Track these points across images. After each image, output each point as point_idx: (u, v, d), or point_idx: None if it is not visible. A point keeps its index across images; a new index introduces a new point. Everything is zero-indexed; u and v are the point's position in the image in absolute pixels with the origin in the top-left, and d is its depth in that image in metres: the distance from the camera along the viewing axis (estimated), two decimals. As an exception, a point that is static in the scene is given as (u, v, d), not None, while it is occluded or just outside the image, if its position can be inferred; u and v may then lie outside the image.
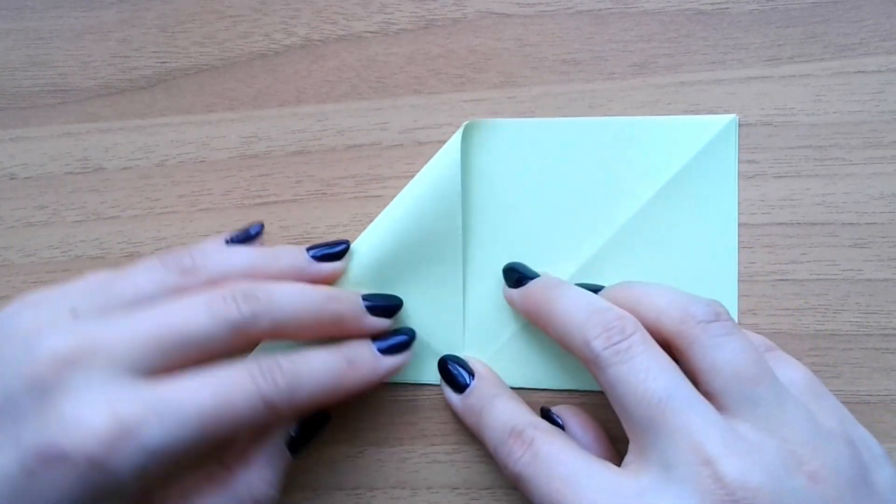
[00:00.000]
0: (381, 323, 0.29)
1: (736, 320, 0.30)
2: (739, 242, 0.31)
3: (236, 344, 0.26)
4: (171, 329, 0.24)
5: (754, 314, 0.31)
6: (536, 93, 0.32)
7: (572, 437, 0.28)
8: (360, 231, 0.31)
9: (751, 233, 0.31)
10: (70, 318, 0.25)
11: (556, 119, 0.32)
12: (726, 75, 0.31)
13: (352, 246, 0.30)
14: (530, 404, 0.29)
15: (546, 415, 0.29)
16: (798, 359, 0.28)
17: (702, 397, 0.24)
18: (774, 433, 0.23)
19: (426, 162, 0.31)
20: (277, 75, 0.33)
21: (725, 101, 0.31)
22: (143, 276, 0.26)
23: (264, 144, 0.33)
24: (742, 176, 0.31)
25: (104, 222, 0.34)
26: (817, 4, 0.31)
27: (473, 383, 0.30)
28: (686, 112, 0.31)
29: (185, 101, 0.34)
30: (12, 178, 0.34)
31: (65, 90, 0.34)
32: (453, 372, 0.30)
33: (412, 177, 0.31)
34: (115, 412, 0.22)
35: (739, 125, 0.31)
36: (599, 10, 0.32)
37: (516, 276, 0.30)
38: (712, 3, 0.32)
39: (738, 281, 0.31)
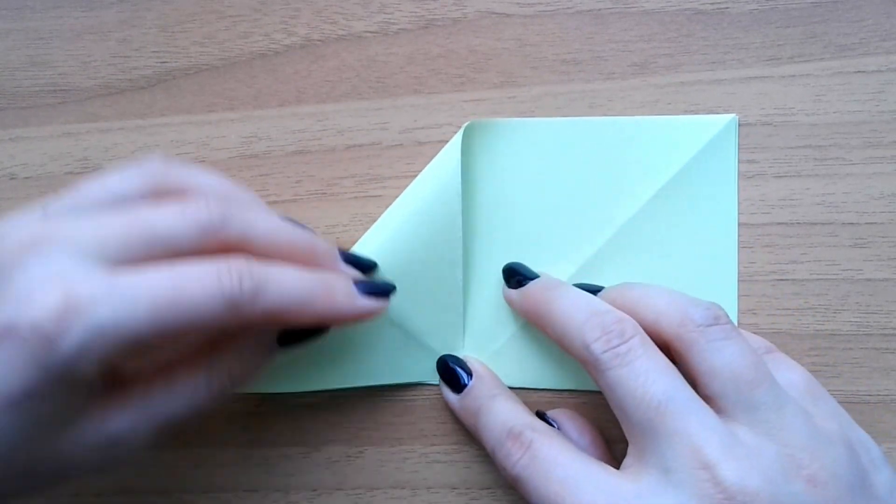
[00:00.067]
0: (375, 303, 0.28)
1: (736, 320, 0.30)
2: (739, 242, 0.31)
3: (205, 246, 0.25)
4: (137, 224, 0.24)
5: (754, 314, 0.31)
6: (536, 93, 0.32)
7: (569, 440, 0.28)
8: (360, 231, 0.31)
9: (751, 233, 0.31)
10: (40, 216, 0.24)
11: (556, 119, 0.32)
12: (726, 75, 0.31)
13: (353, 247, 0.30)
14: (529, 404, 0.29)
15: (542, 418, 0.29)
16: (798, 359, 0.28)
17: (701, 401, 0.24)
18: (773, 437, 0.23)
19: (426, 162, 0.31)
20: (277, 75, 0.33)
21: (725, 101, 0.31)
22: (117, 179, 0.26)
23: (264, 144, 0.33)
24: (742, 176, 0.31)
25: (104, 222, 0.34)
26: (817, 4, 0.31)
27: (472, 383, 0.30)
28: (686, 112, 0.31)
29: (185, 101, 0.34)
30: (12, 178, 0.34)
31: (65, 90, 0.34)
32: (452, 372, 0.30)
33: (412, 177, 0.31)
34: (67, 290, 0.22)
35: (739, 125, 0.31)
36: (599, 10, 0.32)
37: (516, 276, 0.30)
38: (712, 3, 0.32)
39: (738, 281, 0.31)
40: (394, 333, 0.31)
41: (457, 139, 0.30)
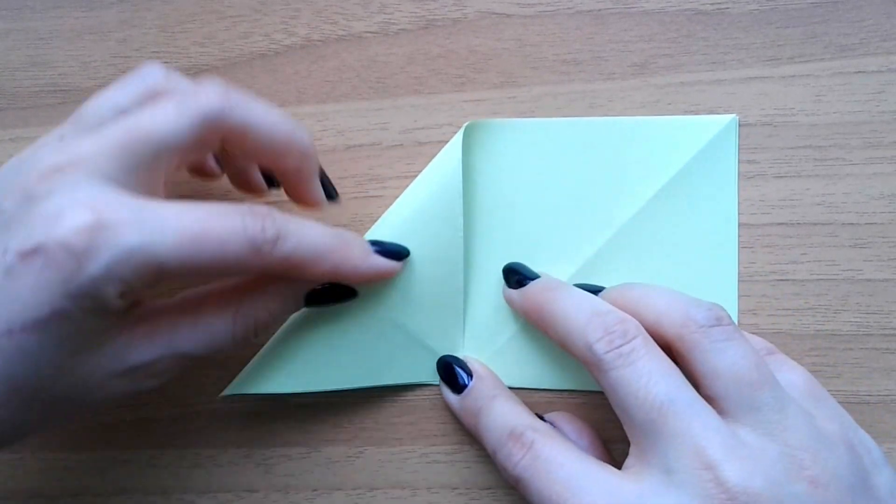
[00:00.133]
0: (388, 263, 0.29)
1: (736, 321, 0.30)
2: (739, 242, 0.31)
3: (206, 138, 0.25)
4: (136, 131, 0.24)
5: (754, 314, 0.31)
6: (536, 93, 0.32)
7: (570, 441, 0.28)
8: (361, 231, 0.31)
9: (751, 233, 0.31)
10: (56, 143, 0.25)
11: (557, 119, 0.32)
12: (726, 75, 0.31)
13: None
14: (529, 405, 0.29)
15: None
16: (798, 359, 0.28)
17: (703, 402, 0.24)
18: (775, 438, 0.23)
19: (426, 162, 0.31)
20: (277, 75, 0.33)
21: (725, 101, 0.31)
22: (119, 92, 0.26)
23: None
24: (742, 176, 0.31)
25: (104, 222, 0.34)
26: (817, 4, 0.31)
27: (472, 384, 0.30)
28: (686, 112, 0.31)
29: (185, 101, 0.34)
30: (12, 178, 0.34)
31: (65, 90, 0.34)
32: (452, 372, 0.30)
33: (412, 177, 0.31)
34: (96, 209, 0.22)
35: (739, 125, 0.31)
36: (599, 10, 0.32)
37: (516, 276, 0.30)
38: (712, 3, 0.32)
39: (738, 281, 0.31)
40: (394, 334, 0.31)
41: (457, 139, 0.30)
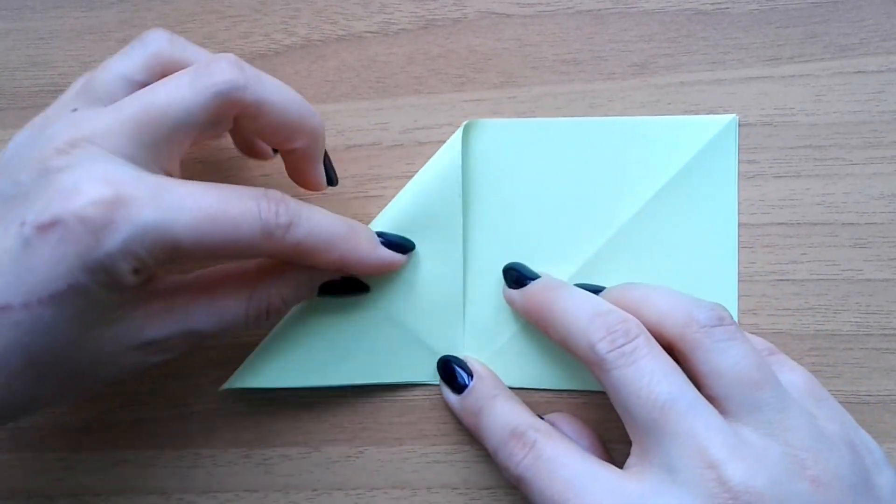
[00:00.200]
0: (394, 255, 0.29)
1: (736, 320, 0.30)
2: (739, 242, 0.31)
3: (222, 115, 0.25)
4: (153, 107, 0.24)
5: (754, 314, 0.31)
6: (536, 93, 0.32)
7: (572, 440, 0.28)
8: (360, 231, 0.31)
9: (751, 233, 0.31)
10: (69, 117, 0.25)
11: (556, 119, 0.32)
12: (726, 75, 0.31)
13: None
14: (529, 405, 0.29)
15: None
16: (798, 359, 0.28)
17: (705, 401, 0.24)
18: (777, 438, 0.23)
19: (426, 162, 0.31)
20: (277, 75, 0.33)
21: (725, 101, 0.31)
22: (126, 63, 0.27)
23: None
24: (742, 176, 0.31)
25: (104, 222, 0.34)
26: (817, 4, 0.31)
27: (472, 384, 0.30)
28: (686, 112, 0.31)
29: (185, 101, 0.34)
30: (12, 178, 0.34)
31: (65, 90, 0.34)
32: (452, 372, 0.30)
33: (412, 177, 0.31)
34: (114, 184, 0.23)
35: (739, 125, 0.31)
36: (599, 10, 0.32)
37: (516, 276, 0.30)
38: (712, 3, 0.32)
39: (738, 281, 0.31)
40: (394, 331, 0.31)
41: (456, 138, 0.30)
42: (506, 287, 0.30)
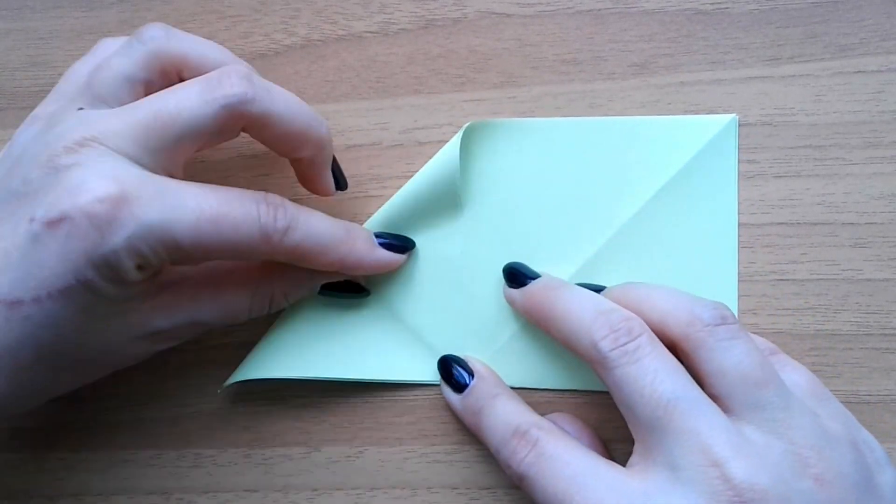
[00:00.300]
0: (392, 256, 0.30)
1: (736, 320, 0.30)
2: (739, 242, 0.31)
3: (228, 125, 0.26)
4: (163, 115, 0.25)
5: (754, 314, 0.31)
6: (536, 93, 0.32)
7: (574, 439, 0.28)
8: (360, 231, 0.31)
9: (751, 233, 0.31)
10: (76, 117, 0.26)
11: (556, 119, 0.32)
12: (726, 75, 0.31)
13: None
14: (530, 405, 0.29)
15: None
16: (798, 359, 0.28)
17: (709, 400, 0.24)
18: (781, 436, 0.23)
19: (426, 162, 0.31)
20: (277, 75, 0.33)
21: (725, 101, 0.31)
22: (126, 62, 0.27)
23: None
24: (742, 176, 0.31)
25: (104, 222, 0.34)
26: (817, 4, 0.31)
27: (473, 383, 0.30)
28: (686, 112, 0.31)
29: (185, 101, 0.34)
30: (12, 178, 0.34)
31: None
32: (453, 372, 0.30)
33: (412, 177, 0.31)
34: (120, 183, 0.24)
35: (739, 125, 0.31)
36: (599, 10, 0.32)
37: (517, 276, 0.30)
38: (712, 3, 0.32)
39: (738, 281, 0.31)
40: (395, 331, 0.31)
41: (456, 139, 0.30)
42: (506, 287, 0.30)
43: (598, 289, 0.29)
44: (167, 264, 0.25)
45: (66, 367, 0.26)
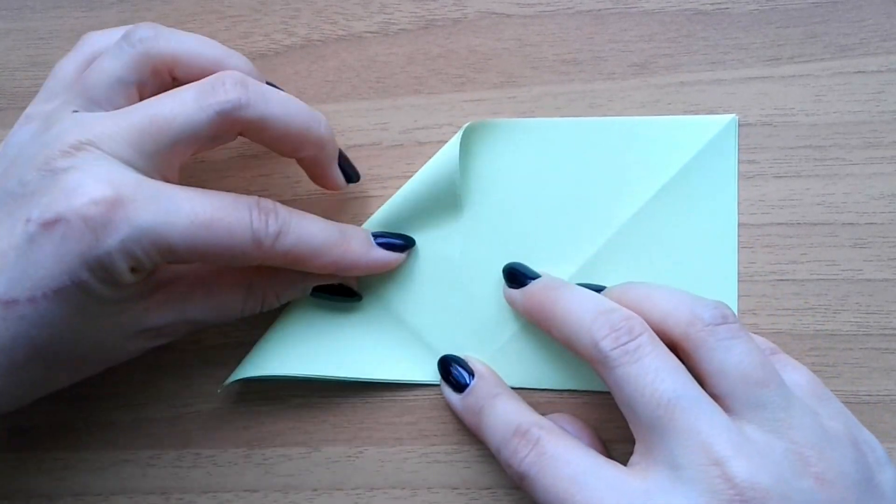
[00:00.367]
0: (389, 255, 0.30)
1: (736, 320, 0.30)
2: (739, 242, 0.31)
3: (224, 130, 0.26)
4: (158, 120, 0.25)
5: (754, 314, 0.31)
6: (536, 93, 0.32)
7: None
8: (360, 231, 0.31)
9: (751, 233, 0.31)
10: (71, 120, 0.26)
11: (556, 119, 0.32)
12: (726, 75, 0.31)
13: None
14: (530, 405, 0.29)
15: None
16: (798, 359, 0.28)
17: (710, 399, 0.24)
18: (782, 435, 0.23)
19: (426, 162, 0.31)
20: (277, 75, 0.33)
21: (725, 101, 0.31)
22: (117, 65, 0.27)
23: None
24: (742, 176, 0.31)
25: (104, 222, 0.34)
26: (817, 4, 0.31)
27: (473, 383, 0.30)
28: (686, 112, 0.31)
29: (185, 101, 0.34)
30: (12, 178, 0.34)
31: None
32: (453, 372, 0.30)
33: (412, 177, 0.31)
34: (115, 186, 0.24)
35: (739, 125, 0.31)
36: (599, 10, 0.32)
37: (517, 276, 0.30)
38: (712, 3, 0.32)
39: (738, 281, 0.31)
40: (395, 331, 0.31)
41: (456, 139, 0.30)
42: (506, 287, 0.30)
43: (598, 289, 0.29)
44: (161, 265, 0.26)
45: (59, 365, 0.27)
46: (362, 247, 0.29)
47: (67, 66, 0.29)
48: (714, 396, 0.24)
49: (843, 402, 0.27)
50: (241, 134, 0.27)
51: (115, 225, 0.24)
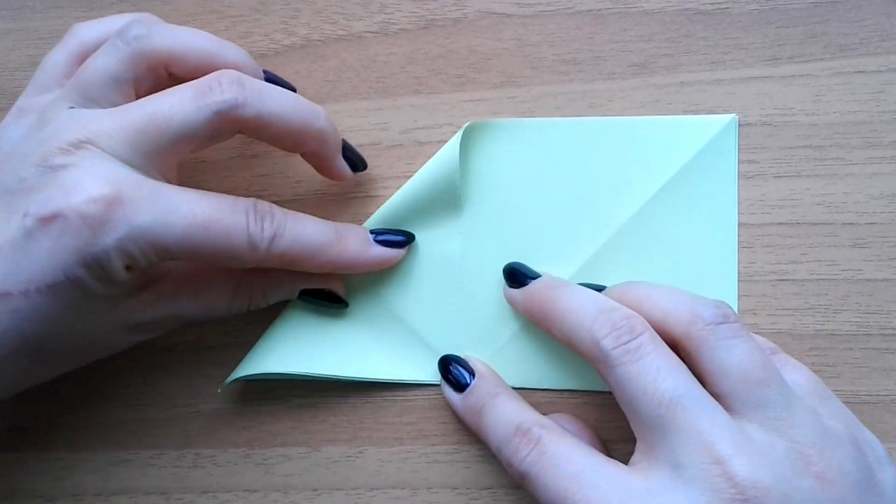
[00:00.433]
0: (387, 252, 0.30)
1: (736, 320, 0.30)
2: (739, 242, 0.31)
3: (221, 129, 0.26)
4: (156, 119, 0.25)
5: (754, 314, 0.31)
6: (536, 93, 0.32)
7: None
8: (361, 231, 0.31)
9: (751, 233, 0.31)
10: (68, 116, 0.26)
11: (556, 119, 0.32)
12: (726, 75, 0.31)
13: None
14: (530, 404, 0.29)
15: None
16: (798, 359, 0.28)
17: (711, 398, 0.24)
18: (783, 434, 0.23)
19: (426, 162, 0.31)
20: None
21: (725, 101, 0.31)
22: (112, 62, 0.27)
23: (264, 144, 0.33)
24: (742, 176, 0.31)
25: (104, 222, 0.34)
26: (817, 4, 0.31)
27: (474, 382, 0.30)
28: (686, 112, 0.31)
29: (185, 101, 0.34)
30: (12, 178, 0.34)
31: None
32: (453, 371, 0.30)
33: (412, 177, 0.31)
34: (114, 184, 0.24)
35: (739, 125, 0.31)
36: (599, 10, 0.32)
37: (517, 276, 0.30)
38: (712, 3, 0.32)
39: (738, 281, 0.31)
40: (395, 331, 0.31)
41: (455, 139, 0.30)
42: (506, 286, 0.30)
43: (598, 288, 0.29)
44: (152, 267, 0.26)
45: (47, 358, 0.27)
46: (360, 245, 0.29)
47: (57, 58, 0.29)
48: (715, 395, 0.24)
49: (843, 402, 0.27)
50: (240, 132, 0.27)
51: (113, 223, 0.24)
